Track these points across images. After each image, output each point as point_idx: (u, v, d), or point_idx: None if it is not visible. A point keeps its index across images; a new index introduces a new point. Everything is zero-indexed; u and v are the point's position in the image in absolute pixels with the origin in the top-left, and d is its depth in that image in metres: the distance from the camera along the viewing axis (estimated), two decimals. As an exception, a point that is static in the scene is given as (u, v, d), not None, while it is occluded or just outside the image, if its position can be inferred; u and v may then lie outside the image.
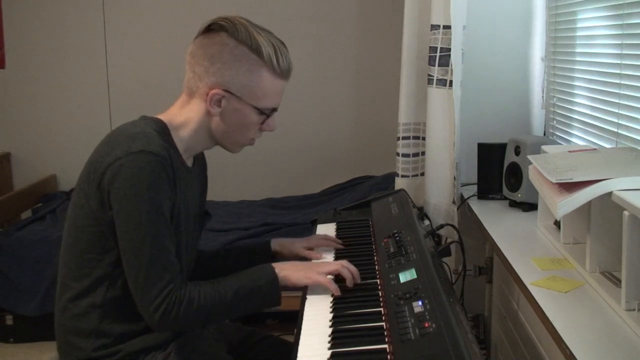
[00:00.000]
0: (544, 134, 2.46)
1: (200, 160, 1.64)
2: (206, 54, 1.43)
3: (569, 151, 1.70)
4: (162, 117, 1.47)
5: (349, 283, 1.47)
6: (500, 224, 1.97)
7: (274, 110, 1.51)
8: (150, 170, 1.33)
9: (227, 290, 1.40)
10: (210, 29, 1.45)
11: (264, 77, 1.44)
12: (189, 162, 1.52)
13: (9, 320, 3.09)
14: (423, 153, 2.39)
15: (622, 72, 1.77)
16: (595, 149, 1.74)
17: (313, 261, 1.67)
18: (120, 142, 1.37)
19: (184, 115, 1.48)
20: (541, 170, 1.52)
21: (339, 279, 1.49)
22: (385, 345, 1.19)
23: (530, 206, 2.04)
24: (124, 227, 1.34)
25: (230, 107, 1.44)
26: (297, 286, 1.48)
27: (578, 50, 2.16)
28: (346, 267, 1.49)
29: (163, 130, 1.43)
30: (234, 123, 1.47)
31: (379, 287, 1.45)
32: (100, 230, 1.38)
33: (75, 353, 1.44)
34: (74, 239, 1.43)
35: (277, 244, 1.74)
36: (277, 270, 1.46)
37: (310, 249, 1.75)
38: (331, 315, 1.36)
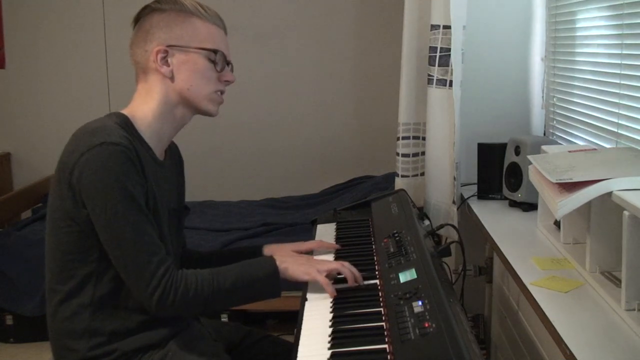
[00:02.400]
0: (544, 134, 2.46)
1: (174, 155, 1.65)
2: (142, 32, 1.49)
3: (569, 151, 1.70)
4: (124, 111, 1.49)
5: (350, 282, 1.47)
6: (500, 224, 1.97)
7: (225, 59, 1.52)
8: (115, 160, 1.34)
9: (226, 279, 1.41)
10: (140, 16, 1.51)
11: (196, 24, 1.49)
12: (160, 156, 1.53)
13: (9, 320, 3.10)
14: (423, 153, 2.39)
15: (622, 72, 1.77)
16: (595, 149, 1.74)
17: (315, 257, 1.67)
18: (82, 138, 1.38)
19: (145, 98, 1.49)
20: (541, 170, 1.52)
21: (340, 278, 1.49)
22: (385, 345, 1.19)
23: (530, 206, 2.04)
24: (101, 222, 1.35)
25: (178, 61, 1.47)
26: (296, 280, 1.49)
27: (578, 50, 2.16)
28: (347, 267, 1.49)
29: (125, 122, 1.44)
30: (189, 77, 1.48)
31: (379, 287, 1.45)
32: (79, 230, 1.39)
33: (71, 355, 1.44)
34: (54, 243, 1.43)
35: (269, 249, 1.73)
36: (277, 262, 1.47)
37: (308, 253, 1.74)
38: (331, 315, 1.36)
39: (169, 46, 1.46)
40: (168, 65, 1.47)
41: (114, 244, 1.35)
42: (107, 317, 1.43)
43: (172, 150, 1.64)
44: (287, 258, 1.51)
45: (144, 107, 1.48)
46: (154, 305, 1.36)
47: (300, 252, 1.72)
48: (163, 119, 1.49)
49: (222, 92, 1.54)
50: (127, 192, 1.34)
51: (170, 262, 1.38)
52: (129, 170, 1.35)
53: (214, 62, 1.49)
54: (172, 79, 1.47)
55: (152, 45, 1.47)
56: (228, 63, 1.54)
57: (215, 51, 1.49)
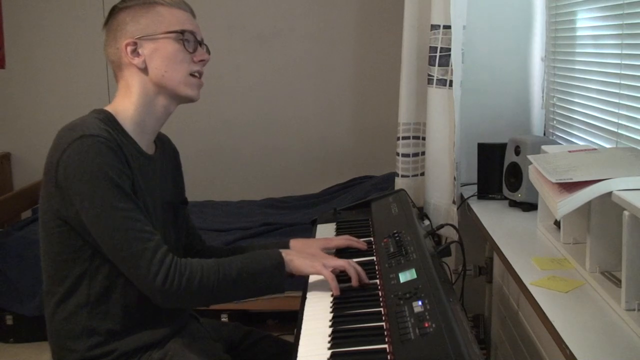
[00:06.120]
0: (544, 134, 2.46)
1: (166, 147, 1.64)
2: (111, 32, 1.49)
3: (569, 151, 1.70)
4: (107, 107, 1.49)
5: (354, 282, 1.47)
6: (500, 224, 1.97)
7: (195, 38, 1.51)
8: (96, 151, 1.34)
9: (231, 268, 1.40)
10: (108, 19, 1.52)
11: (160, 11, 1.49)
12: (149, 150, 1.52)
13: (9, 320, 3.10)
14: (423, 153, 2.39)
15: (622, 72, 1.77)
16: (595, 149, 1.74)
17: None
18: (62, 136, 1.39)
19: (125, 93, 1.49)
20: (541, 170, 1.52)
21: (342, 278, 1.49)
22: (385, 345, 1.19)
23: (530, 206, 2.04)
24: (90, 215, 1.34)
25: (149, 50, 1.47)
26: (301, 273, 1.48)
27: (578, 50, 2.16)
28: (352, 266, 1.49)
29: (107, 118, 1.44)
30: (162, 63, 1.47)
31: (379, 287, 1.45)
32: (69, 229, 1.38)
33: (71, 356, 1.44)
34: (47, 245, 1.43)
35: (296, 243, 1.71)
36: (283, 255, 1.47)
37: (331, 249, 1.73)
38: (331, 315, 1.36)
39: (137, 38, 1.46)
40: (140, 56, 1.47)
41: (106, 236, 1.34)
42: (104, 316, 1.42)
43: (164, 143, 1.63)
44: (291, 251, 1.52)
45: (125, 101, 1.49)
46: (158, 293, 1.34)
47: (329, 249, 1.71)
48: (145, 112, 1.49)
49: (200, 75, 1.53)
50: (113, 181, 1.34)
51: (167, 248, 1.37)
52: (111, 160, 1.35)
53: (183, 43, 1.49)
54: (145, 69, 1.47)
55: (121, 42, 1.47)
56: (200, 44, 1.53)
57: (182, 32, 1.49)
